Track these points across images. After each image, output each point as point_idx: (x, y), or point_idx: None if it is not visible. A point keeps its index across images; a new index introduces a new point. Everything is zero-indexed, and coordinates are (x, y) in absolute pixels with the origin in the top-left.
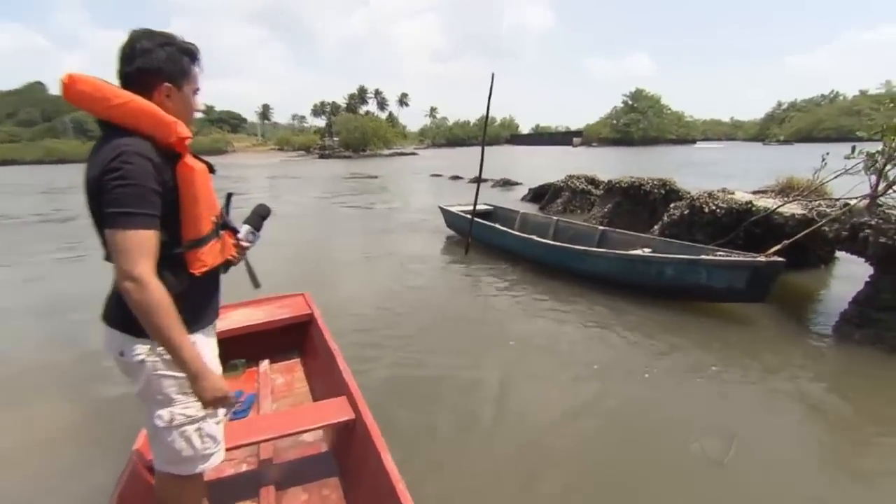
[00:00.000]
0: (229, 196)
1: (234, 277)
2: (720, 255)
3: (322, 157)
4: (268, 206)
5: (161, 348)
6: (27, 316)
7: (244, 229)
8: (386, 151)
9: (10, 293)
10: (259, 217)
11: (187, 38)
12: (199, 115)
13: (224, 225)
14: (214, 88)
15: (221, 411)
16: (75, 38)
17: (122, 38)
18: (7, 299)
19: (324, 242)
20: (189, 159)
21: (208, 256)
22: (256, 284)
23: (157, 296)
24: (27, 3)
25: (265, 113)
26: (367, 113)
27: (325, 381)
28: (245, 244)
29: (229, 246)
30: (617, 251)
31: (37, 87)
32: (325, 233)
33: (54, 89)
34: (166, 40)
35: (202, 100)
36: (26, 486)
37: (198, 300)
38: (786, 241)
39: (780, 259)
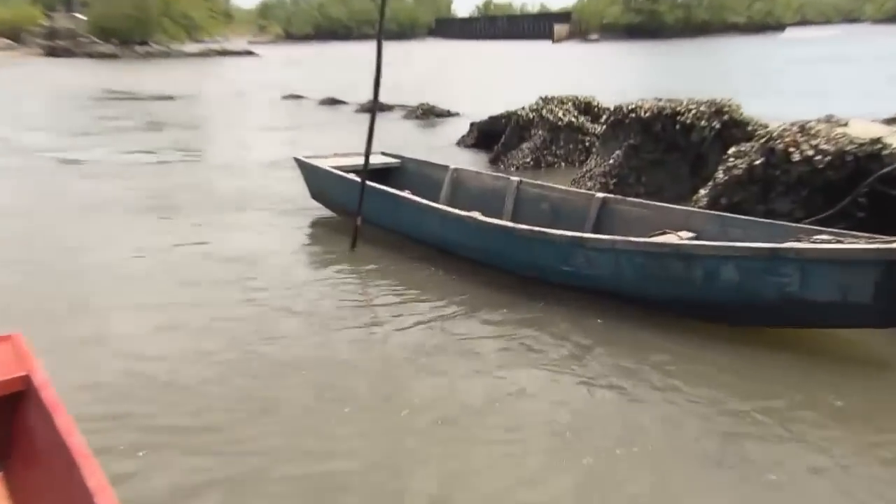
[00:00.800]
0: None
1: None
2: (822, 241)
3: (54, 53)
4: None
5: None
6: None
7: None
8: (190, 47)
9: None
10: None
11: None
12: None
13: None
14: None
15: None
16: None
17: None
18: None
19: (59, 233)
20: None
21: None
22: None
23: None
24: None
25: None
26: None
27: None
28: None
29: None
30: (630, 238)
31: None
32: (61, 213)
33: None
34: None
35: None
36: None
37: None
38: None
39: None
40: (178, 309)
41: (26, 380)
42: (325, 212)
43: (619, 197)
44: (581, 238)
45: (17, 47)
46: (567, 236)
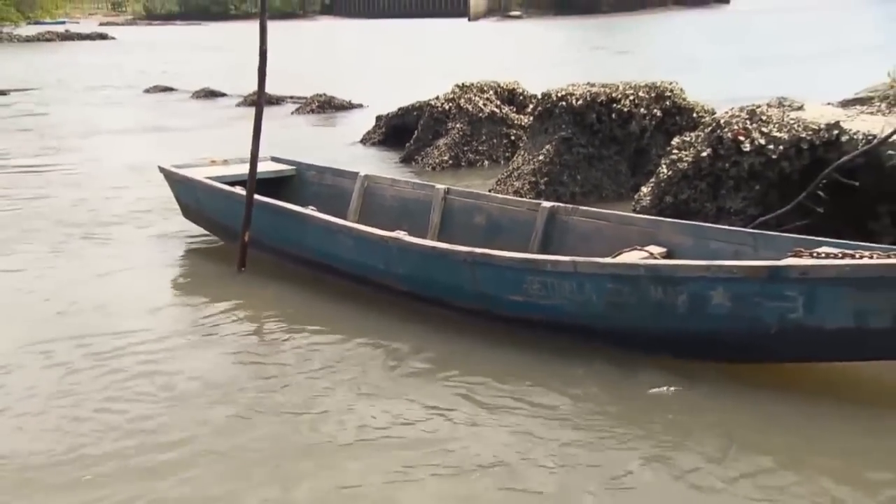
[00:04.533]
0: None
1: None
2: (827, 255)
3: None
4: None
5: None
6: None
7: None
8: (27, 30)
9: None
10: None
11: None
12: None
13: None
14: None
15: None
16: None
17: None
18: None
19: None
20: None
21: None
22: None
23: None
24: None
25: None
26: None
27: None
28: None
29: None
30: (595, 259)
31: None
32: None
33: None
34: None
35: None
36: None
37: None
38: None
39: None
40: (40, 354)
41: None
42: (200, 232)
43: (571, 206)
44: (536, 260)
45: None
46: (518, 258)
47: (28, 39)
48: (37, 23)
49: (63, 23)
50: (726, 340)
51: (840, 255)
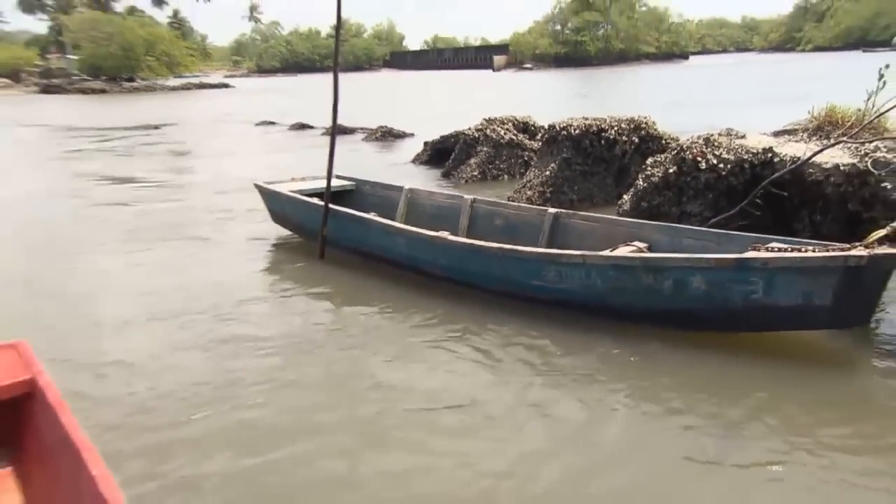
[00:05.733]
0: None
1: None
2: (779, 249)
3: (48, 90)
4: None
5: None
6: None
7: None
8: (172, 81)
9: None
10: None
11: None
12: None
13: None
14: None
15: None
16: None
17: None
18: None
19: (61, 250)
20: None
21: None
22: None
23: None
24: None
25: None
26: (133, 12)
27: (63, 500)
28: None
29: None
30: (600, 253)
31: None
32: (63, 234)
33: None
34: None
35: None
36: None
37: None
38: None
39: (893, 252)
40: (167, 320)
41: (32, 383)
42: (285, 233)
43: (571, 212)
44: (552, 254)
45: (14, 86)
46: (538, 252)
47: (173, 89)
48: (179, 76)
49: (198, 76)
50: (702, 315)
51: (790, 248)
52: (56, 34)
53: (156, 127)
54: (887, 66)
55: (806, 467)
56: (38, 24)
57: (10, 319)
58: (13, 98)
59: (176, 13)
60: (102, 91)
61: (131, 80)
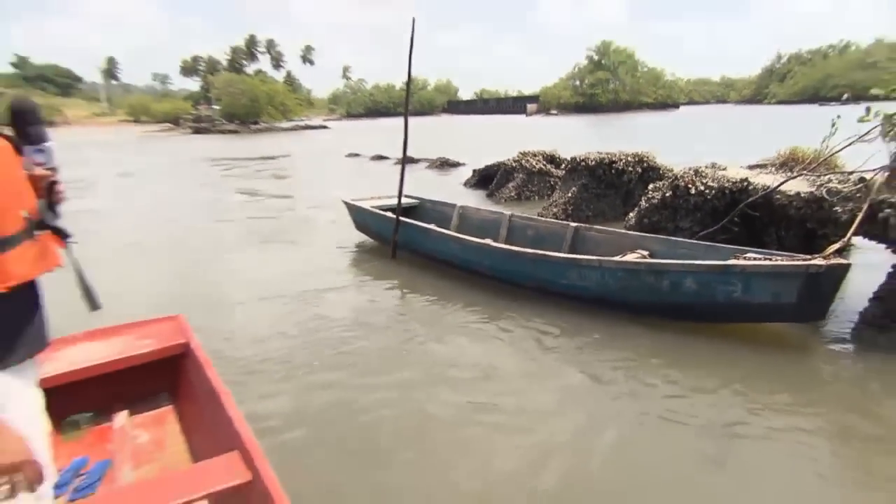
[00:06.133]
0: (51, 185)
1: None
2: (754, 258)
3: (198, 131)
4: (26, 100)
5: None
6: None
7: (27, 150)
8: (285, 124)
9: None
10: (25, 122)
11: None
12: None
13: (41, 224)
14: (31, 30)
15: (43, 488)
16: None
17: None
18: None
19: (205, 246)
20: None
21: (17, 265)
22: (93, 305)
23: None
24: None
25: (111, 70)
26: (259, 73)
27: (209, 434)
28: (40, 170)
29: (53, 254)
30: (614, 259)
31: None
32: (203, 236)
33: None
34: None
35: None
36: None
37: None
38: (846, 238)
39: (845, 262)
40: (280, 298)
41: (186, 345)
42: (366, 238)
43: (588, 226)
44: (574, 259)
45: (174, 129)
46: (562, 257)
47: (285, 129)
48: (290, 120)
49: (303, 120)
50: (693, 309)
51: (763, 258)
52: (205, 91)
53: (272, 158)
54: (838, 117)
55: (760, 418)
56: (193, 84)
57: (171, 298)
58: (174, 137)
59: (289, 73)
60: (235, 132)
61: (256, 123)
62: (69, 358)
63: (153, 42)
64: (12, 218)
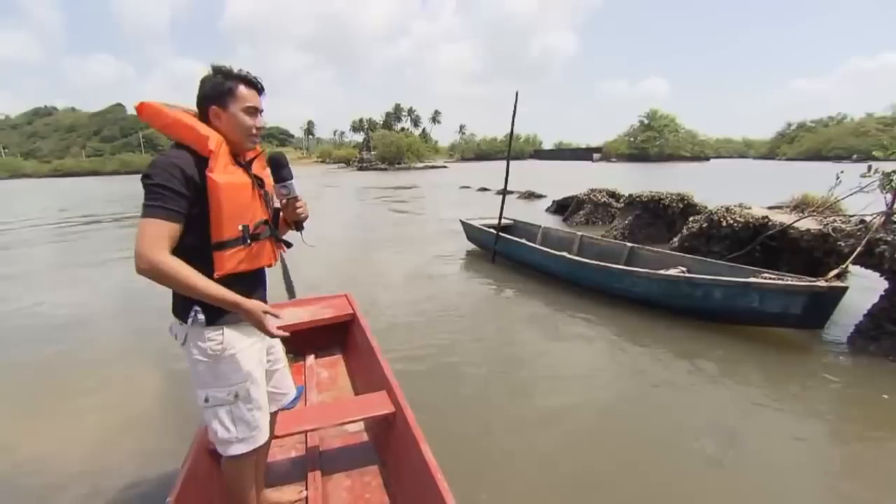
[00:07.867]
0: (292, 206)
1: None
2: (769, 277)
3: (360, 168)
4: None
5: (195, 332)
6: (106, 311)
7: (277, 187)
8: (419, 164)
9: (91, 289)
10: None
11: (247, 65)
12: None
13: (257, 236)
14: (267, 107)
15: (262, 399)
16: (156, 65)
17: (191, 64)
18: (88, 295)
19: (362, 246)
20: (217, 171)
21: (230, 261)
22: (292, 294)
23: (162, 258)
24: (119, 36)
25: (310, 129)
26: (402, 129)
27: (366, 377)
28: (284, 198)
29: (267, 256)
30: (660, 272)
31: (117, 109)
32: (363, 237)
33: (131, 110)
34: (217, 71)
35: (267, 119)
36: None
37: None
38: (844, 265)
39: (843, 285)
40: (416, 284)
41: (353, 315)
42: (474, 247)
43: (640, 246)
44: (629, 270)
45: (346, 167)
46: (620, 268)
47: (418, 168)
48: (422, 162)
49: (431, 161)
50: (719, 314)
51: (777, 278)
52: (367, 141)
53: (409, 188)
54: (842, 171)
55: (762, 407)
56: (358, 137)
57: (342, 281)
58: (346, 173)
59: (424, 129)
60: (385, 169)
61: (399, 163)
62: (281, 318)
63: (335, 109)
64: (231, 228)
